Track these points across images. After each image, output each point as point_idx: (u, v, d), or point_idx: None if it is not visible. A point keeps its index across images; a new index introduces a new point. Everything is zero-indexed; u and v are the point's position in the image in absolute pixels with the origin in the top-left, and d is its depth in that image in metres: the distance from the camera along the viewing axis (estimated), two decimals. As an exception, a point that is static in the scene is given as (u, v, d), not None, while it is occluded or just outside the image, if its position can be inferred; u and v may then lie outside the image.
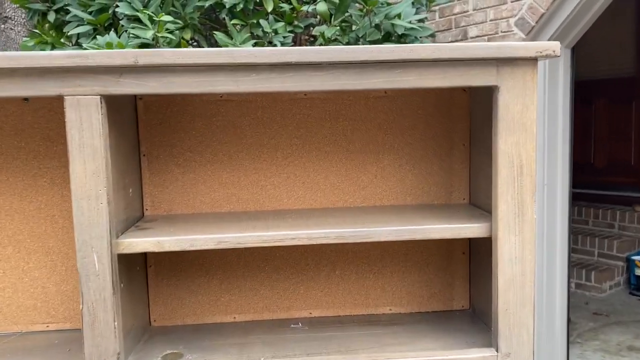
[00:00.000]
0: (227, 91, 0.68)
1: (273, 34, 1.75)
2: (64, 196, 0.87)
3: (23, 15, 3.12)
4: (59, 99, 0.83)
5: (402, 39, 1.90)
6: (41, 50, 2.15)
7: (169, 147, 0.88)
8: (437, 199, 0.92)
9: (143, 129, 0.87)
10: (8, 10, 3.11)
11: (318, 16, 1.93)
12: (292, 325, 0.89)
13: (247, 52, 0.67)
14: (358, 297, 0.93)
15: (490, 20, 2.46)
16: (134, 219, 0.83)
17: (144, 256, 0.89)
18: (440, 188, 0.91)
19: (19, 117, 0.86)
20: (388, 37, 1.94)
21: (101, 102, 0.68)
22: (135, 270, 0.84)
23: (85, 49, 1.92)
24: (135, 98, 0.86)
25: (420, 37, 1.95)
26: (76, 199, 0.69)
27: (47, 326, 0.90)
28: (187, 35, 1.91)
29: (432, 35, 2.10)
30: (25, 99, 0.86)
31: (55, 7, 2.13)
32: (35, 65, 0.66)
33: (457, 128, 0.91)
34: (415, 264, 0.93)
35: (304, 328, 0.88)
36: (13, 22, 3.11)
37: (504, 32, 2.39)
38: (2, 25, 3.09)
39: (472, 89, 0.88)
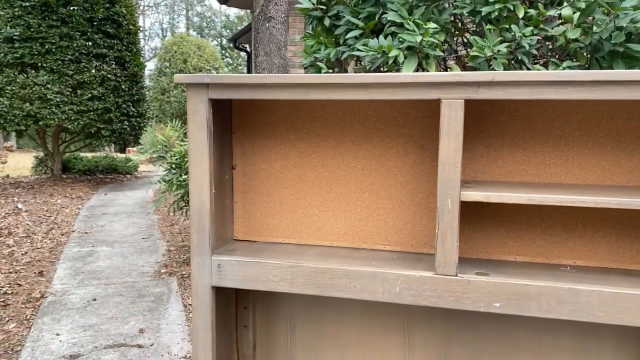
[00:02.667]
0: (554, 97, 1.03)
1: (522, 37, 2.04)
2: (403, 163, 1.31)
3: (283, 15, 3.80)
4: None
5: (645, 39, 2.04)
6: (317, 48, 2.71)
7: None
8: (693, 184, 1.16)
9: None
10: (272, 10, 3.82)
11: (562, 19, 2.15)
12: (561, 269, 1.22)
13: (588, 73, 1.00)
14: (615, 255, 1.22)
15: None
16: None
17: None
18: (698, 176, 1.15)
19: (382, 109, 1.31)
20: (629, 38, 2.09)
21: (464, 105, 1.07)
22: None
23: (357, 48, 2.41)
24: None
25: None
26: (441, 163, 1.10)
27: (384, 246, 1.35)
28: (442, 37, 2.28)
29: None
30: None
31: (330, 14, 2.67)
32: (425, 81, 1.07)
33: None
34: (668, 234, 1.18)
35: (570, 271, 1.20)
36: (275, 20, 3.81)
37: None
38: (267, 24, 3.81)
39: None
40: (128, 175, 11.36)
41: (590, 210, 1.22)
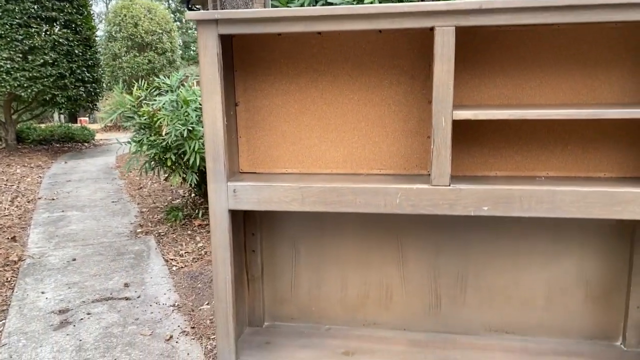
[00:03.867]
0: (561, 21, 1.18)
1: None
2: (395, 92, 1.44)
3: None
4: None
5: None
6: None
7: (465, 61, 1.40)
8: (647, 99, 1.34)
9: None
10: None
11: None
12: (536, 179, 1.40)
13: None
14: (582, 165, 1.40)
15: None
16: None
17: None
18: (651, 92, 1.33)
19: (375, 43, 1.43)
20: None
21: (455, 32, 1.21)
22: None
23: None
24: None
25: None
26: (436, 86, 1.23)
27: (380, 170, 1.50)
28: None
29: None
30: (379, 31, 1.42)
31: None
32: (421, 10, 1.20)
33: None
34: (626, 142, 1.37)
35: (545, 181, 1.38)
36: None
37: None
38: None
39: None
40: (86, 144, 11.10)
41: (560, 127, 1.39)
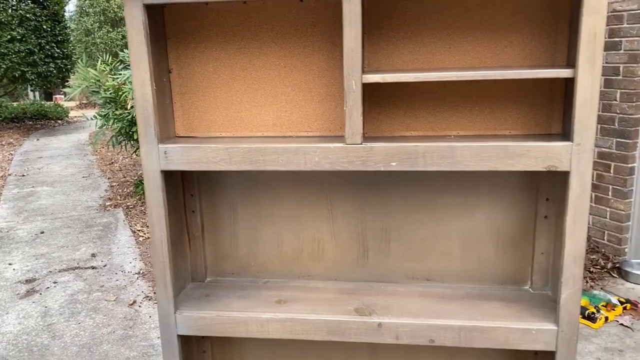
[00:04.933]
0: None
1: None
2: (318, 59, 1.54)
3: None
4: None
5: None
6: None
7: (380, 28, 1.49)
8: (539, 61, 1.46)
9: (366, 17, 1.49)
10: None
11: None
12: (447, 137, 1.51)
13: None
14: (489, 123, 1.52)
15: None
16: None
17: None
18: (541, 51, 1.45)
19: (297, 12, 1.52)
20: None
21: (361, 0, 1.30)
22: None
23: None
24: (363, -1, 1.47)
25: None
26: (346, 51, 1.33)
27: (307, 133, 1.60)
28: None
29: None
30: (301, 0, 1.51)
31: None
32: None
33: None
34: (527, 102, 1.49)
35: (454, 139, 1.50)
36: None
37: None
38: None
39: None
40: (59, 121, 11.01)
41: (468, 89, 1.51)
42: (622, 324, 2.85)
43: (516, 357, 1.72)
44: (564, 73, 1.30)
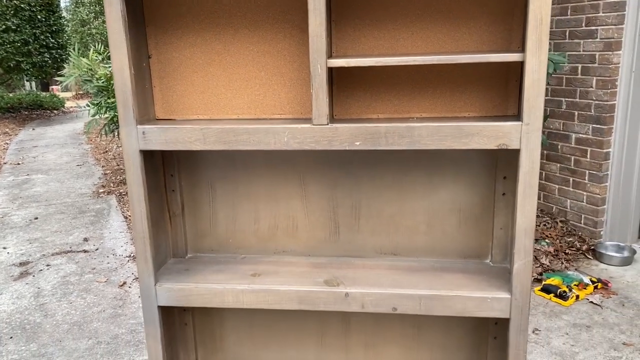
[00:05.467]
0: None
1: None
2: (289, 44, 1.62)
3: None
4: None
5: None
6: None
7: None
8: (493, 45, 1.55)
9: None
10: None
11: None
12: (409, 119, 1.61)
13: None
14: (449, 106, 1.61)
15: None
16: (329, 54, 1.56)
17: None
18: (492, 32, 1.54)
19: (271, 1, 1.60)
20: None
21: (324, -12, 1.39)
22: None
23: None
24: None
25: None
26: (311, 36, 1.42)
27: (280, 115, 1.69)
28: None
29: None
30: (272, -11, 1.59)
31: None
32: (295, -31, 1.37)
33: None
34: (484, 86, 1.59)
35: (416, 121, 1.59)
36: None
37: None
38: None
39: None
40: (55, 111, 11.06)
41: (430, 73, 1.60)
42: (592, 302, 2.96)
43: (478, 327, 1.83)
44: (513, 57, 1.40)
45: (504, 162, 1.67)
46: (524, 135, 1.41)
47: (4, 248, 3.75)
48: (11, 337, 2.47)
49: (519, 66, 1.56)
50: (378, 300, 1.61)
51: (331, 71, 1.60)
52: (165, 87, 1.71)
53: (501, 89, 1.59)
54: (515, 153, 1.54)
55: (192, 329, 1.98)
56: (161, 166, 1.82)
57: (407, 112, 1.64)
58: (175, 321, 1.94)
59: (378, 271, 1.74)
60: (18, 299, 2.89)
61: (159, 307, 1.71)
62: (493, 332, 1.81)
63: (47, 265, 3.42)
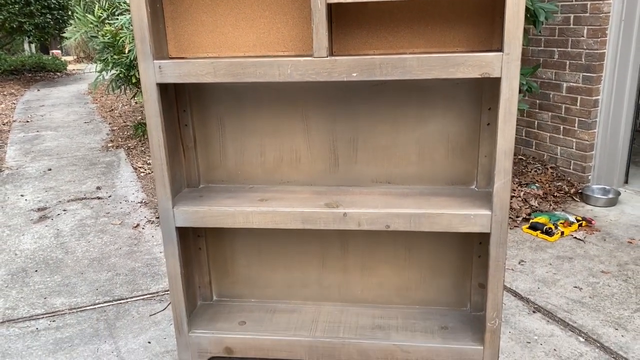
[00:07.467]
0: None
1: None
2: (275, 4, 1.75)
3: None
4: None
5: None
6: None
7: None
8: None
9: None
10: None
11: None
12: (403, 54, 1.75)
13: None
14: (440, 42, 1.75)
15: None
16: None
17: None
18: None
19: (272, -58, 1.72)
20: None
21: None
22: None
23: None
24: None
25: None
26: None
27: (284, 52, 1.84)
28: None
29: None
30: None
31: None
32: None
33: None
34: (473, 21, 1.72)
35: (409, 53, 1.73)
36: None
37: None
38: None
39: None
40: (58, 73, 11.14)
41: (422, 10, 1.73)
42: (576, 237, 3.15)
43: (464, 246, 2.02)
44: (496, -8, 1.53)
45: (488, 94, 1.82)
46: (505, 64, 1.56)
47: (22, 195, 3.95)
48: (36, 271, 2.68)
49: (503, 4, 1.69)
50: (373, 218, 1.79)
51: (330, 8, 1.74)
52: (177, 27, 1.85)
53: (487, 26, 1.73)
54: (497, 82, 1.70)
55: (205, 253, 2.18)
56: (175, 102, 1.97)
57: (401, 47, 1.78)
58: (190, 245, 2.13)
59: (373, 196, 1.92)
60: (39, 239, 3.09)
61: (176, 227, 1.89)
62: (477, 251, 2.00)
63: (64, 210, 3.62)
